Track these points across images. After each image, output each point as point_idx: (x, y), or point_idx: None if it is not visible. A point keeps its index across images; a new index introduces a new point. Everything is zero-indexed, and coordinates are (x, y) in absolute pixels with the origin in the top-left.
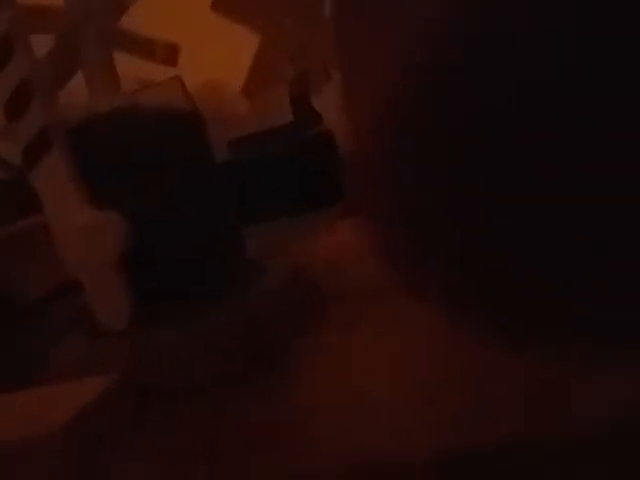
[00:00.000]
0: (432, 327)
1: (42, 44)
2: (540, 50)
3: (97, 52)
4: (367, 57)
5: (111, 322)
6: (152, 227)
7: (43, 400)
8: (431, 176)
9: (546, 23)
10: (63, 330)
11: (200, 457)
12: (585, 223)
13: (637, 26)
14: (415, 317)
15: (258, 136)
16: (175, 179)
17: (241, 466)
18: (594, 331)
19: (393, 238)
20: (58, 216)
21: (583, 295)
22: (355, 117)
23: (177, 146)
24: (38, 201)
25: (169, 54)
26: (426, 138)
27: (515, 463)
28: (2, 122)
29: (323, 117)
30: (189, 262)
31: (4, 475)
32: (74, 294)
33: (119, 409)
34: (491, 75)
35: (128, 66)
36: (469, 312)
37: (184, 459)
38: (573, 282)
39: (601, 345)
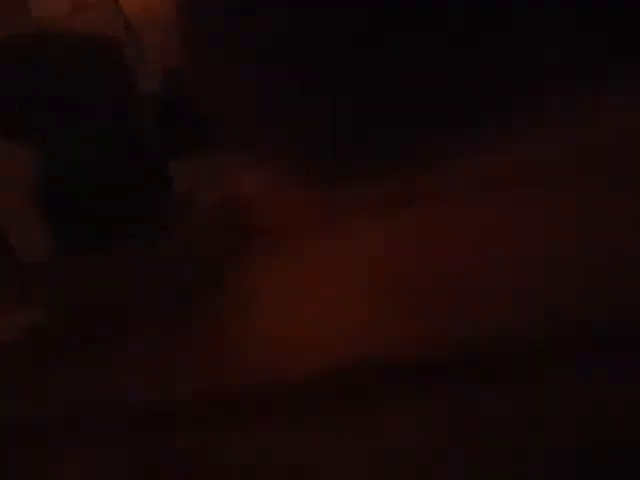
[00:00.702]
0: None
1: None
2: None
3: None
4: None
5: (31, 254)
6: (77, 159)
7: None
8: None
9: None
10: None
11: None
12: None
13: None
14: (327, 251)
15: None
16: (98, 111)
17: (184, 373)
18: None
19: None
20: None
21: None
22: None
23: (98, 77)
24: None
25: None
26: None
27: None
28: None
29: None
30: (116, 195)
31: None
32: None
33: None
34: None
35: None
36: None
37: (130, 364)
38: None
39: None
